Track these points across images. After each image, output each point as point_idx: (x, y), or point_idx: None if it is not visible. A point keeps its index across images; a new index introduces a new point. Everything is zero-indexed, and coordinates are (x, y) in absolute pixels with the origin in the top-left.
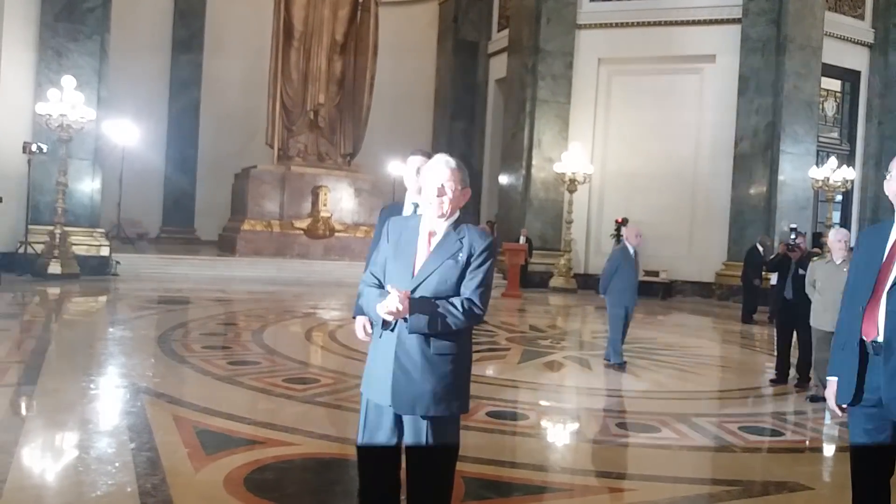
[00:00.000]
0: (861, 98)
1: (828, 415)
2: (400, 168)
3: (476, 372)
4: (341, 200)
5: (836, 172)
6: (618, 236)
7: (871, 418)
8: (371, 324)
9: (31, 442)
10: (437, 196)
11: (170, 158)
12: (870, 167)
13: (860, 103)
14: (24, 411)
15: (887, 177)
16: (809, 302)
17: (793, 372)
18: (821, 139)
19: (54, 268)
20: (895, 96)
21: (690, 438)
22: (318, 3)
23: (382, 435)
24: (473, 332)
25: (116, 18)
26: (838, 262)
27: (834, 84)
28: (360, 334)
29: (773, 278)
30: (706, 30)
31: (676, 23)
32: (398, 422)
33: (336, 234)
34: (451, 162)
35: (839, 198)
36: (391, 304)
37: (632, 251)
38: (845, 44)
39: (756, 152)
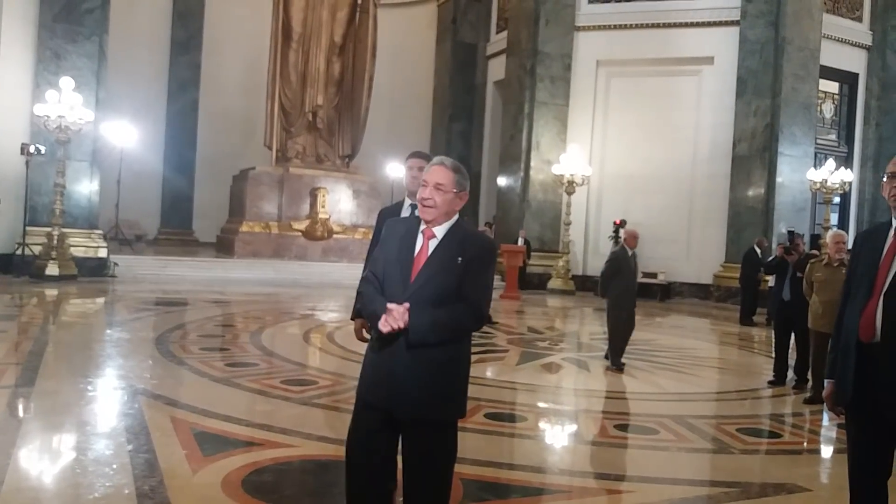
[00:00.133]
0: (859, 100)
1: (826, 416)
2: (398, 170)
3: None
4: (340, 202)
5: (833, 174)
6: (616, 238)
7: (868, 420)
8: (369, 326)
9: (28, 444)
10: (430, 198)
11: (168, 160)
12: (868, 169)
13: (858, 105)
14: (21, 413)
15: (884, 178)
16: (807, 303)
17: (791, 373)
18: (819, 141)
19: (52, 269)
20: (893, 98)
21: (688, 440)
22: (317, 5)
23: (376, 440)
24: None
25: (115, 20)
26: (836, 264)
27: (832, 86)
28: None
29: (772, 280)
30: (704, 32)
31: (675, 25)
32: (393, 426)
33: (334, 235)
34: (448, 164)
35: (837, 200)
36: (392, 322)
37: (630, 253)
38: (843, 46)
39: (754, 154)
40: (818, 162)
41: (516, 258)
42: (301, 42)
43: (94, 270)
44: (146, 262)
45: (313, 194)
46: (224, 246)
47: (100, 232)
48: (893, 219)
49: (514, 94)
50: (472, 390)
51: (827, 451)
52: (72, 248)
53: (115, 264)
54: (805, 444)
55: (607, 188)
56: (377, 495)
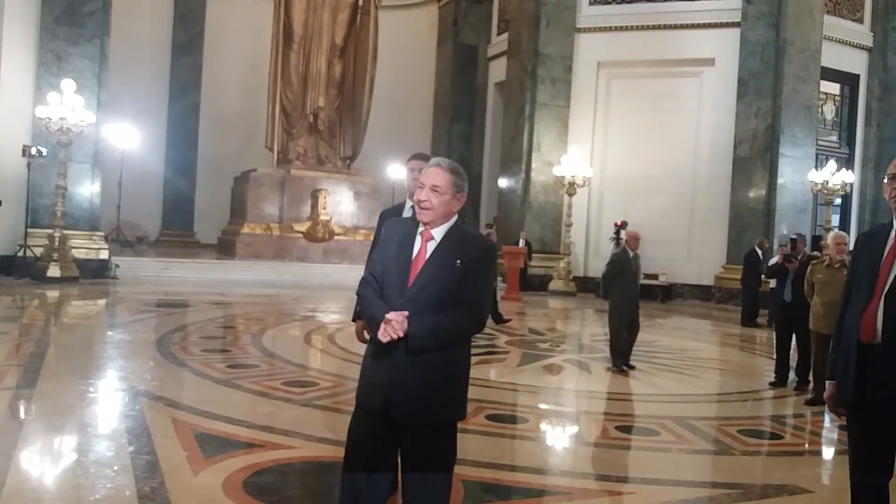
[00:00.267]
0: (860, 101)
1: (827, 417)
2: (400, 171)
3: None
4: (341, 204)
5: (835, 176)
6: (617, 239)
7: (869, 421)
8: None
9: (29, 445)
10: (427, 200)
11: (169, 161)
12: (869, 170)
13: (859, 106)
14: (22, 414)
15: (885, 180)
16: (808, 305)
17: (792, 375)
18: (820, 142)
19: (53, 271)
20: (894, 100)
21: (690, 441)
22: (318, 7)
23: (374, 445)
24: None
25: (116, 22)
26: (837, 266)
27: (833, 87)
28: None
29: (773, 281)
30: (705, 33)
31: (676, 26)
32: (392, 430)
33: (335, 237)
34: (445, 166)
35: (838, 201)
36: (391, 332)
37: (632, 255)
38: (844, 47)
39: (755, 155)
40: (819, 163)
41: (517, 259)
42: (302, 44)
43: (96, 272)
44: (147, 264)
45: (314, 196)
46: (225, 247)
47: (101, 234)
48: (894, 220)
49: (514, 96)
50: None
51: (828, 453)
52: (73, 250)
53: (117, 266)
54: (806, 445)
55: (608, 189)
56: (369, 501)
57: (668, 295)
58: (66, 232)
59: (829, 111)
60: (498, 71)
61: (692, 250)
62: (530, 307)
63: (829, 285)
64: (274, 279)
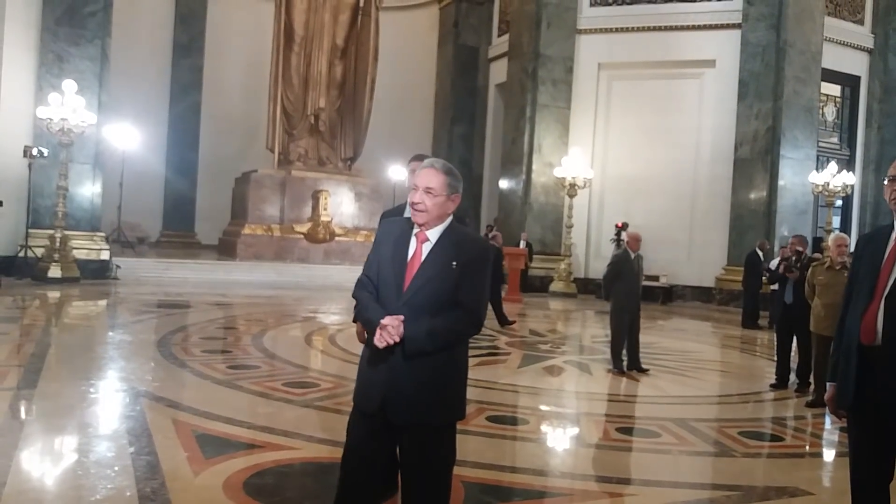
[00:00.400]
0: (861, 103)
1: (828, 419)
2: (400, 172)
3: (477, 376)
4: (342, 205)
5: (835, 177)
6: (618, 241)
7: (870, 423)
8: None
9: (30, 446)
10: (421, 202)
11: (170, 162)
12: (870, 172)
13: (860, 108)
14: (23, 415)
15: (885, 182)
16: (809, 307)
17: (793, 377)
18: (820, 144)
19: (54, 271)
20: (895, 101)
21: (690, 443)
22: (319, 8)
23: (371, 447)
24: (474, 336)
25: (117, 23)
26: (838, 267)
27: (834, 89)
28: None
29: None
30: (706, 35)
31: (676, 28)
32: (390, 432)
33: (336, 238)
34: (438, 167)
35: (839, 203)
36: (388, 338)
37: (633, 255)
38: (845, 49)
39: (756, 157)
40: (820, 165)
41: (518, 261)
42: (303, 45)
43: (97, 273)
44: (148, 265)
45: (315, 197)
46: (226, 248)
47: (102, 234)
48: (895, 222)
49: (515, 97)
50: (474, 393)
51: (829, 455)
52: (74, 251)
53: (118, 266)
54: (807, 447)
55: (609, 191)
56: (367, 500)
57: (668, 296)
58: (66, 232)
59: (830, 113)
60: (499, 72)
61: (693, 252)
62: (531, 308)
63: (830, 287)
64: (275, 280)
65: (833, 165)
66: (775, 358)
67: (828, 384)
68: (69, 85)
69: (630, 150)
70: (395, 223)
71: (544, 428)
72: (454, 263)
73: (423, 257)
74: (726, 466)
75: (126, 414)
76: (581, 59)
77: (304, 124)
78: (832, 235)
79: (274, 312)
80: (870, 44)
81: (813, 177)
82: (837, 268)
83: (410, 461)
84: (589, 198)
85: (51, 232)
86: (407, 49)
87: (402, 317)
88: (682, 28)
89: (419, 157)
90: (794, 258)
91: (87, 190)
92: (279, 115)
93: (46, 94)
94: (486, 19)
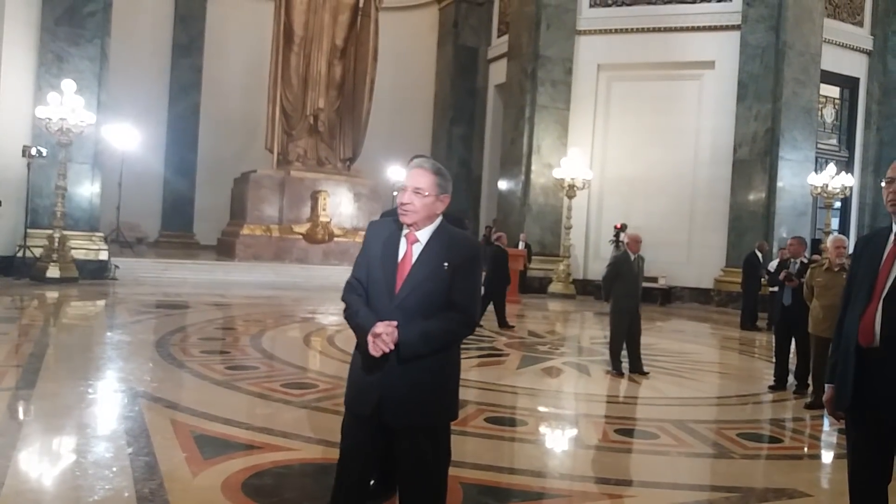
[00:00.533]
0: (860, 105)
1: (826, 421)
2: (400, 173)
3: (476, 377)
4: (340, 205)
5: (834, 179)
6: (617, 242)
7: (868, 424)
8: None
9: (28, 446)
10: (410, 202)
11: (169, 162)
12: (868, 174)
13: (859, 110)
14: (21, 415)
15: (883, 183)
16: (808, 308)
17: (791, 378)
18: (819, 146)
19: (53, 272)
20: (894, 103)
21: (689, 445)
22: (319, 8)
23: (368, 448)
24: (472, 337)
25: (117, 23)
26: (836, 269)
27: (833, 91)
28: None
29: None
30: (705, 36)
31: (676, 29)
32: (384, 433)
33: (335, 238)
34: (428, 167)
35: (838, 204)
36: (383, 346)
37: (632, 257)
38: (844, 51)
39: (755, 158)
40: (819, 166)
41: (517, 262)
42: (302, 45)
43: (95, 273)
44: (147, 265)
45: (314, 197)
46: (225, 249)
47: (101, 234)
48: (894, 224)
49: (515, 98)
50: (472, 394)
51: (828, 457)
52: (73, 251)
53: (116, 267)
54: (806, 449)
55: (608, 192)
56: (360, 499)
57: (667, 298)
58: (65, 232)
59: (829, 114)
60: (498, 73)
61: (692, 253)
62: (529, 310)
63: (829, 289)
64: (273, 280)
65: (832, 167)
66: (774, 359)
67: (826, 386)
68: (68, 85)
69: (629, 151)
70: (383, 224)
71: (543, 429)
72: (446, 264)
73: (415, 258)
74: (725, 468)
75: (124, 414)
76: (580, 60)
77: (303, 125)
78: (831, 237)
79: (272, 313)
80: (869, 45)
81: (812, 178)
82: (836, 269)
83: (407, 463)
84: (588, 199)
85: (49, 232)
86: (406, 50)
87: (395, 323)
88: (682, 29)
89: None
90: (797, 266)
91: (86, 190)
92: (278, 115)
93: (45, 94)
94: (485, 20)
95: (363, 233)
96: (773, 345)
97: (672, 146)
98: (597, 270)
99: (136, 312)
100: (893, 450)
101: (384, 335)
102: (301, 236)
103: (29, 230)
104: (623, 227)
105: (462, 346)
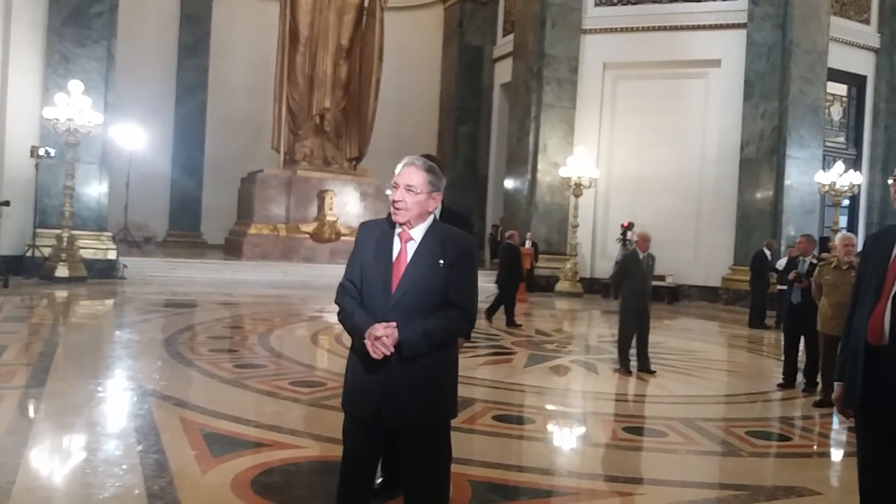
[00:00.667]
0: (867, 102)
1: (835, 419)
2: None
3: (482, 375)
4: (347, 204)
5: (842, 177)
6: (624, 240)
7: (878, 422)
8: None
9: (39, 444)
10: (402, 200)
11: (176, 162)
12: (876, 171)
13: (866, 108)
14: (32, 413)
15: (891, 181)
16: (816, 306)
17: (800, 377)
18: (827, 144)
19: (62, 271)
20: None
21: (697, 443)
22: (324, 8)
23: (370, 449)
24: (480, 336)
25: (123, 23)
26: (845, 267)
27: (840, 88)
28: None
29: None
30: (712, 35)
31: (682, 28)
32: (387, 434)
33: (342, 237)
34: (419, 164)
35: (846, 202)
36: (383, 349)
37: (641, 255)
38: (851, 48)
39: (762, 157)
40: (826, 164)
41: (524, 261)
42: (308, 45)
43: (104, 272)
44: (155, 264)
45: (321, 197)
46: (232, 248)
47: (109, 234)
48: None
49: (520, 97)
50: (480, 392)
51: (837, 455)
52: (81, 250)
53: (125, 266)
54: (815, 447)
55: (614, 191)
56: (363, 500)
57: (674, 296)
58: (74, 232)
59: (837, 112)
60: (504, 72)
61: (699, 252)
62: (537, 308)
63: (837, 287)
64: (281, 279)
65: (840, 165)
66: (782, 358)
67: (835, 384)
68: (75, 85)
69: (635, 149)
70: (374, 224)
71: (551, 427)
72: (441, 262)
73: (410, 257)
74: (734, 466)
75: (134, 412)
76: (586, 59)
77: (309, 124)
78: (839, 235)
79: (280, 312)
80: (876, 43)
81: (819, 176)
82: (844, 267)
83: (410, 462)
84: (594, 197)
85: (58, 232)
86: (412, 49)
87: (394, 324)
88: (688, 28)
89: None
90: (807, 265)
91: (94, 190)
92: (284, 115)
93: (53, 95)
94: (490, 19)
95: None
96: (782, 343)
97: (678, 145)
98: (604, 269)
99: (145, 311)
100: None
101: (384, 338)
102: (308, 235)
103: (38, 230)
104: (630, 226)
105: (470, 344)
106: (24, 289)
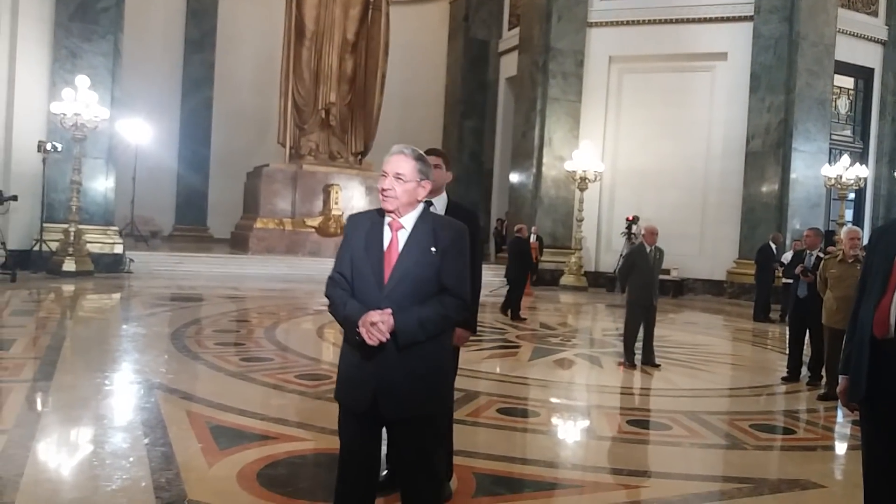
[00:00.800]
0: (874, 95)
1: (840, 412)
2: None
3: (487, 369)
4: (352, 199)
5: (848, 170)
6: (629, 234)
7: (883, 415)
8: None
9: (47, 437)
10: (391, 188)
11: (182, 157)
12: (883, 165)
13: (873, 101)
14: (39, 407)
15: None
16: (821, 300)
17: (805, 370)
18: (833, 137)
19: (69, 265)
20: None
21: (702, 436)
22: (330, 3)
23: (367, 441)
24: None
25: (129, 18)
26: (850, 261)
27: (847, 81)
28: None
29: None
30: (718, 27)
31: (688, 20)
32: (383, 425)
33: None
34: (408, 153)
35: (852, 196)
36: (379, 335)
37: (648, 249)
38: (858, 41)
39: (768, 150)
40: (833, 158)
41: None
42: (314, 40)
43: (111, 266)
44: (161, 259)
45: (326, 191)
46: (238, 242)
47: (115, 228)
48: None
49: (526, 91)
50: (485, 385)
51: (841, 448)
52: (88, 245)
53: (131, 260)
54: (819, 440)
55: (620, 184)
56: (364, 496)
57: (679, 290)
58: (80, 227)
59: (843, 105)
60: (509, 66)
61: (704, 245)
62: (541, 302)
63: (842, 280)
64: (287, 273)
65: (846, 158)
66: (787, 351)
67: (840, 377)
68: (82, 80)
69: (641, 143)
70: (363, 216)
71: (555, 420)
72: (433, 249)
73: (401, 246)
74: (738, 459)
75: (141, 406)
76: (592, 53)
77: (314, 119)
78: (845, 228)
79: (286, 305)
80: (883, 35)
81: (825, 170)
82: (850, 261)
83: (406, 452)
84: (600, 191)
85: (65, 226)
86: (417, 43)
87: (389, 310)
88: (694, 21)
89: (431, 152)
90: (813, 259)
91: (101, 184)
92: (290, 109)
93: (60, 90)
94: (496, 13)
95: None
96: (787, 336)
97: (684, 138)
98: (608, 263)
99: (151, 305)
100: None
101: (380, 323)
102: (314, 229)
103: (45, 224)
104: (635, 220)
105: (475, 338)
106: (32, 283)
